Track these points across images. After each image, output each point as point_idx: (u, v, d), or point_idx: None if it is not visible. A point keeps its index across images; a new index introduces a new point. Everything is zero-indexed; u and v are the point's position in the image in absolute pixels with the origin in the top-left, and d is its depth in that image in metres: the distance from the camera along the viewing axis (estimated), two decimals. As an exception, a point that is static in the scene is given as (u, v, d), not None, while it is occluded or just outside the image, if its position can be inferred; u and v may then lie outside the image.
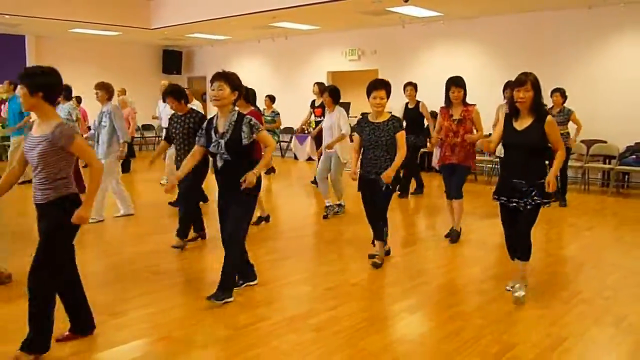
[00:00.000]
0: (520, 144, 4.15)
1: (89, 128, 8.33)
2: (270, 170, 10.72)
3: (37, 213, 3.28)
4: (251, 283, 4.51)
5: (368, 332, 3.69)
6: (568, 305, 4.21)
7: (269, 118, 9.76)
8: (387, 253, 5.40)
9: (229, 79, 3.98)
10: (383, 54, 12.83)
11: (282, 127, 10.63)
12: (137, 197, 8.50)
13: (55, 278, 3.23)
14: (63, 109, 7.79)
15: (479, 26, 11.21)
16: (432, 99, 9.68)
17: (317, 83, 9.75)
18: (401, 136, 4.96)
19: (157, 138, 15.92)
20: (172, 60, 17.18)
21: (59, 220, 3.18)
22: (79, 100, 11.80)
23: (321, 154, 7.48)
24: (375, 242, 5.28)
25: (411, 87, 8.61)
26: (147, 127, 15.69)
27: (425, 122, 8.86)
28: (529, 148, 4.13)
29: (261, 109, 9.00)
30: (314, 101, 9.72)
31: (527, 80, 4.06)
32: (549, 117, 4.11)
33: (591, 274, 5.05)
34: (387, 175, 4.83)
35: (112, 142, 6.67)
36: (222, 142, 3.99)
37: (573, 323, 3.88)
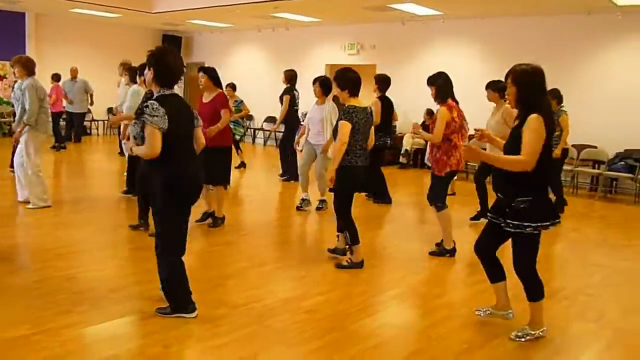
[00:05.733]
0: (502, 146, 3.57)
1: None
2: (241, 165, 10.33)
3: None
4: (186, 315, 3.59)
5: (359, 317, 3.83)
6: (551, 300, 4.36)
7: (233, 108, 8.76)
8: (343, 253, 5.03)
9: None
10: (382, 49, 12.93)
11: (278, 117, 10.39)
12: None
13: None
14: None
15: (478, 27, 11.33)
16: (428, 96, 9.81)
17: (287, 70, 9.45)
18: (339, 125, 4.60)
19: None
20: (171, 45, 17.15)
21: None
22: (57, 78, 12.00)
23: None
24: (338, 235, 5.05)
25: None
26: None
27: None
28: (505, 152, 3.48)
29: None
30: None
31: (508, 75, 3.44)
32: (531, 116, 3.29)
33: (575, 272, 5.22)
34: (330, 178, 4.65)
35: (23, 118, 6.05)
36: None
37: (555, 317, 4.04)
